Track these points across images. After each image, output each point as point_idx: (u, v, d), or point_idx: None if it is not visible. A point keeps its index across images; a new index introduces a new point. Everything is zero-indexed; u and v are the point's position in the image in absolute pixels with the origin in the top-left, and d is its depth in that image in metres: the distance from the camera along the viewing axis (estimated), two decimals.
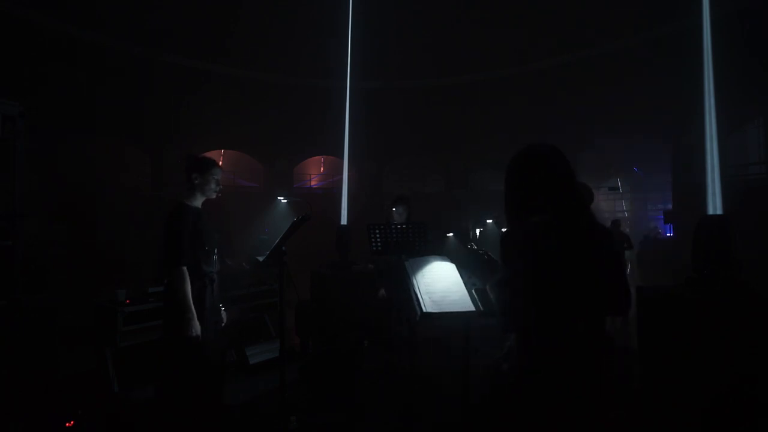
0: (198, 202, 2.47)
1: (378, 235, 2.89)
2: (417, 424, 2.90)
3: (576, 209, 1.37)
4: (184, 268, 2.29)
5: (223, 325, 2.56)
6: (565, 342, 1.30)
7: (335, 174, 16.58)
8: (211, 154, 14.00)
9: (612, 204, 18.90)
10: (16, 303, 3.33)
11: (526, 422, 1.36)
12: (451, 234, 7.66)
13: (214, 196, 2.52)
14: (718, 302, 2.83)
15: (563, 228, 1.34)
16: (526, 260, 1.33)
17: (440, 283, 2.29)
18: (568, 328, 1.30)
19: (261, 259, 3.58)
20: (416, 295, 2.22)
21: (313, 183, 18.10)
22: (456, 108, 14.73)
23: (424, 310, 2.13)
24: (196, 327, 2.26)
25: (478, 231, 12.08)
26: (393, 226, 2.90)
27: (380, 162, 16.28)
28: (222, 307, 2.57)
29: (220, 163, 15.79)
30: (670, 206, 13.00)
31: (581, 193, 1.41)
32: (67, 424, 2.75)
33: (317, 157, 17.64)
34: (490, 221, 11.81)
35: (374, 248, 2.92)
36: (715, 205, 3.42)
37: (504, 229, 1.45)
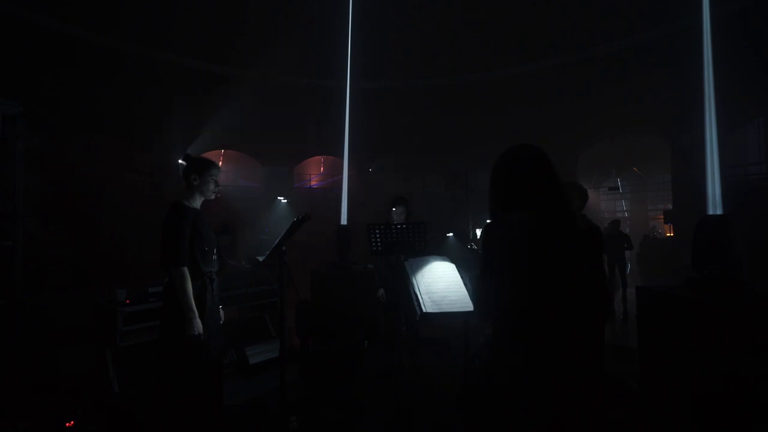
0: (197, 202, 2.47)
1: (378, 236, 2.89)
2: (417, 424, 2.90)
3: (555, 208, 1.39)
4: (185, 268, 2.28)
5: (221, 323, 2.57)
6: (533, 337, 1.30)
7: (335, 174, 16.57)
8: (211, 154, 14.04)
9: (612, 204, 18.93)
10: (16, 303, 3.34)
11: (497, 418, 1.36)
12: (451, 234, 7.65)
13: (212, 197, 2.51)
14: (718, 302, 2.83)
15: (540, 225, 1.36)
16: (501, 253, 1.36)
17: (440, 283, 2.30)
18: (537, 324, 1.31)
19: (261, 258, 3.58)
20: (416, 295, 2.22)
21: (313, 183, 18.09)
22: (456, 108, 14.72)
23: (424, 310, 2.13)
24: (199, 326, 2.27)
25: (478, 231, 12.08)
26: (393, 227, 2.89)
27: (380, 162, 16.28)
28: (220, 306, 2.57)
29: (220, 163, 15.80)
30: (670, 206, 13.00)
31: (565, 193, 1.43)
32: (67, 424, 2.76)
33: (317, 157, 17.62)
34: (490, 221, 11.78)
35: (374, 248, 2.92)
36: (715, 205, 3.42)
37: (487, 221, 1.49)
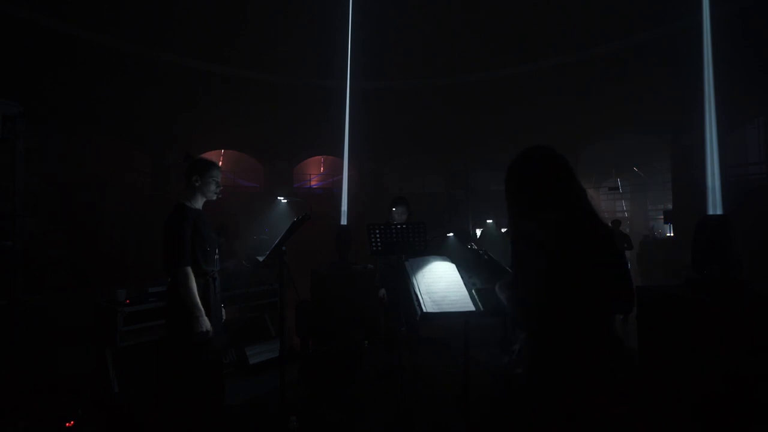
0: (198, 203, 2.48)
1: (378, 236, 2.88)
2: (417, 424, 2.90)
3: (584, 208, 1.39)
4: (188, 268, 2.29)
5: (223, 321, 2.58)
6: (579, 341, 1.31)
7: (335, 174, 16.58)
8: (211, 154, 14.04)
9: (612, 204, 18.93)
10: (16, 303, 3.33)
11: (541, 422, 1.36)
12: (451, 234, 7.65)
13: (214, 197, 2.52)
14: (718, 302, 2.83)
15: (576, 226, 1.35)
16: (543, 258, 1.33)
17: (440, 283, 2.29)
18: (582, 327, 1.31)
19: (261, 258, 3.58)
20: (416, 295, 2.22)
21: (313, 183, 18.10)
22: (456, 108, 14.73)
23: (424, 310, 2.13)
24: (206, 323, 2.28)
25: (478, 231, 12.09)
26: (393, 227, 2.89)
27: (380, 162, 16.28)
28: (222, 305, 2.59)
29: (220, 163, 15.78)
30: (670, 206, 13.00)
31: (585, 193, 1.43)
32: (67, 424, 2.76)
33: (317, 157, 17.63)
34: (490, 221, 11.81)
35: (374, 248, 2.92)
36: (715, 205, 3.42)
37: (504, 229, 1.47)
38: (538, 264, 1.34)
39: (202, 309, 2.28)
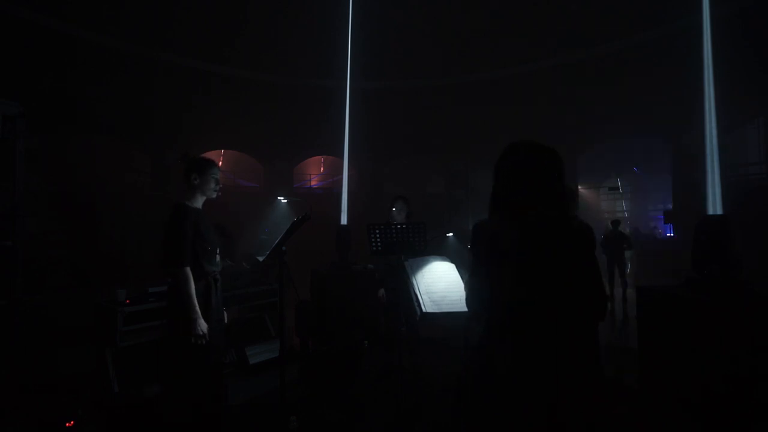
0: (198, 202, 2.47)
1: (378, 236, 2.88)
2: (417, 424, 2.90)
3: (551, 206, 1.38)
4: (188, 268, 2.29)
5: (224, 324, 2.57)
6: (523, 334, 1.30)
7: (335, 174, 16.57)
8: (211, 154, 14.01)
9: (612, 204, 18.91)
10: (16, 303, 3.34)
11: (477, 419, 1.36)
12: (451, 234, 7.65)
13: (214, 196, 2.52)
14: (718, 302, 2.83)
15: (530, 223, 1.35)
16: (493, 251, 1.36)
17: (440, 283, 2.30)
18: (528, 321, 1.30)
19: (261, 258, 3.59)
20: (416, 295, 2.23)
21: (313, 183, 18.09)
22: (456, 108, 14.72)
23: (424, 310, 2.14)
24: (203, 326, 2.27)
25: None
26: (393, 227, 2.89)
27: (380, 162, 16.27)
28: (223, 307, 2.57)
29: (220, 163, 15.73)
30: (670, 206, 13.00)
31: (563, 192, 1.42)
32: (67, 424, 2.75)
33: (317, 157, 17.62)
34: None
35: (374, 248, 2.92)
36: (715, 205, 3.42)
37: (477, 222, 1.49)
38: (491, 258, 1.38)
39: (199, 311, 2.27)
